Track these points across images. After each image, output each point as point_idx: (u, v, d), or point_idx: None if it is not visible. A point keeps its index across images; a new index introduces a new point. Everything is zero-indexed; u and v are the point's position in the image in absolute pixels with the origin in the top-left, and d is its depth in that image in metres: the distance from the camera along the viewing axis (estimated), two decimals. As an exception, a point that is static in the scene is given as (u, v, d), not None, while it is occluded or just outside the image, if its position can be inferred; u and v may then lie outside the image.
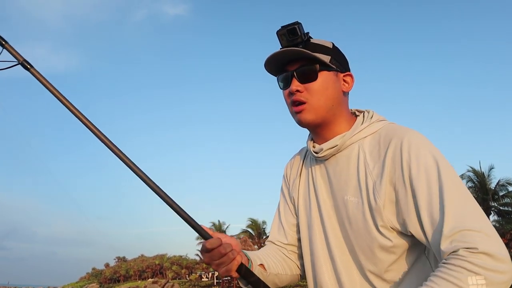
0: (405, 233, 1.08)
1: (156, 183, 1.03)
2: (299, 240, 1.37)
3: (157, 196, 1.02)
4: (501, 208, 31.01)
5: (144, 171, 1.03)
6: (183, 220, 1.04)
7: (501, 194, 30.71)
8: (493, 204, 30.46)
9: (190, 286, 40.93)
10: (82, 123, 1.01)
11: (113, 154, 1.01)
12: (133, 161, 1.02)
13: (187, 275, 57.06)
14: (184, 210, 1.04)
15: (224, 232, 58.15)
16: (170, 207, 1.03)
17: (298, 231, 1.36)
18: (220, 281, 39.16)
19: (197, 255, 66.81)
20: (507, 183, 30.29)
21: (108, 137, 1.01)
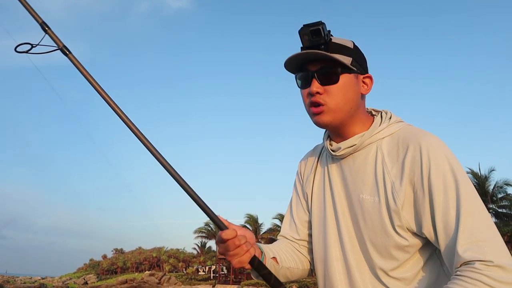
0: (419, 234, 1.10)
1: (180, 174, 1.04)
2: (310, 236, 1.39)
3: (177, 184, 1.03)
4: (499, 210, 31.08)
5: (168, 161, 1.04)
6: (201, 210, 1.05)
7: (499, 196, 30.76)
8: (491, 206, 30.51)
9: (187, 280, 40.98)
10: (113, 110, 1.02)
11: (141, 143, 1.02)
12: (157, 149, 1.03)
13: (184, 269, 57.15)
14: (202, 199, 1.05)
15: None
16: (189, 195, 1.04)
17: (310, 227, 1.39)
18: (217, 275, 39.21)
19: (195, 249, 66.97)
20: (505, 184, 30.34)
21: (136, 125, 1.03)
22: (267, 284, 1.13)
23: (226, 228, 1.09)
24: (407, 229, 1.11)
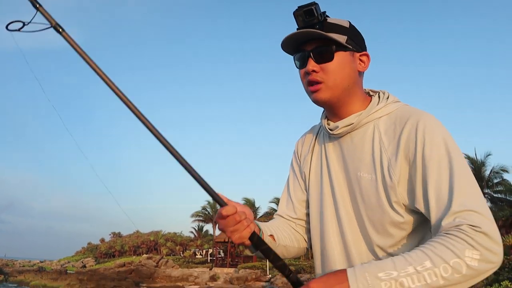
0: (414, 210, 1.12)
1: (179, 151, 1.03)
2: (307, 215, 1.40)
3: (176, 161, 1.02)
4: (494, 195, 31.34)
5: (167, 139, 1.02)
6: (201, 187, 1.04)
7: (495, 181, 30.98)
8: (487, 191, 30.76)
9: (184, 263, 41.37)
10: (110, 88, 1.00)
11: (138, 120, 0.99)
12: (152, 123, 1.02)
13: (181, 252, 57.60)
14: (202, 176, 1.04)
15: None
16: (189, 172, 1.03)
17: (307, 206, 1.40)
18: (214, 258, 39.60)
19: (192, 232, 67.47)
20: (501, 170, 30.55)
21: (133, 102, 1.00)
22: (267, 259, 1.13)
23: (226, 204, 1.09)
24: (403, 205, 1.13)
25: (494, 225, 0.98)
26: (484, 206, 1.01)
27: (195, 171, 1.04)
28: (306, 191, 1.40)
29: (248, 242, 1.12)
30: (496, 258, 0.96)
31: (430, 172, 1.07)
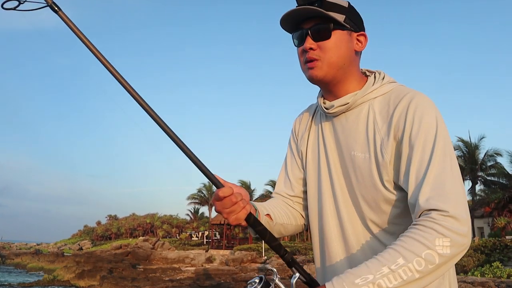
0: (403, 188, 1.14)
1: (174, 131, 1.03)
2: (304, 192, 1.43)
3: (173, 142, 1.02)
4: (487, 178, 31.65)
5: (163, 120, 1.02)
6: (197, 168, 1.05)
7: (489, 164, 31.24)
8: (480, 174, 31.04)
9: (181, 245, 41.72)
10: (106, 68, 1.00)
11: (132, 98, 1.00)
12: (149, 104, 1.02)
13: (177, 234, 58.02)
14: (199, 158, 1.05)
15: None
16: (185, 153, 1.03)
17: (304, 184, 1.42)
18: (210, 240, 39.94)
19: (188, 215, 67.86)
20: (495, 153, 30.78)
21: (127, 80, 1.00)
22: (263, 240, 1.15)
23: (223, 186, 1.10)
24: (394, 183, 1.16)
25: (462, 205, 1.01)
26: (456, 188, 1.03)
27: (192, 153, 1.04)
28: (303, 169, 1.42)
29: (244, 223, 1.14)
30: (466, 240, 0.99)
31: (414, 152, 1.09)
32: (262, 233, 1.14)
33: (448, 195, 1.01)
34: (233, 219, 1.12)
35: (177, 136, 1.03)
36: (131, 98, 1.01)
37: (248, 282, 1.05)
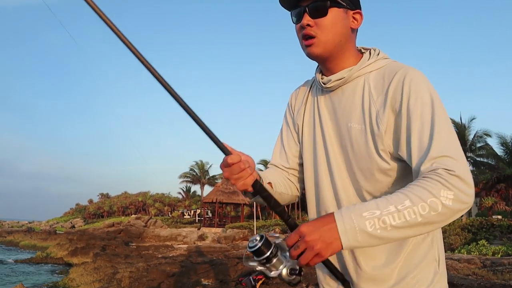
0: (399, 158, 1.20)
1: (182, 98, 1.03)
2: (300, 165, 1.49)
3: (181, 108, 1.03)
4: (477, 159, 32.05)
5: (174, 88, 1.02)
6: (206, 135, 1.07)
7: (478, 145, 31.58)
8: (469, 154, 31.40)
9: (173, 223, 42.00)
10: (113, 31, 0.96)
11: (140, 62, 0.99)
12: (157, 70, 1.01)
13: (169, 212, 58.31)
14: (207, 125, 1.06)
15: (207, 171, 58.79)
16: (194, 120, 1.05)
17: (299, 157, 1.48)
18: (202, 218, 40.22)
19: (180, 193, 68.01)
20: (484, 134, 31.09)
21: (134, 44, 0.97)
22: (268, 206, 1.20)
23: (231, 153, 1.14)
24: (389, 153, 1.22)
25: (467, 170, 1.07)
26: (459, 152, 1.09)
27: (201, 120, 1.06)
28: (299, 142, 1.48)
29: (251, 189, 1.20)
30: (468, 199, 1.04)
31: (413, 122, 1.15)
32: (267, 199, 1.19)
33: (454, 158, 1.07)
34: (241, 184, 1.17)
35: (186, 103, 1.04)
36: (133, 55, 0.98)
37: (250, 240, 1.09)
